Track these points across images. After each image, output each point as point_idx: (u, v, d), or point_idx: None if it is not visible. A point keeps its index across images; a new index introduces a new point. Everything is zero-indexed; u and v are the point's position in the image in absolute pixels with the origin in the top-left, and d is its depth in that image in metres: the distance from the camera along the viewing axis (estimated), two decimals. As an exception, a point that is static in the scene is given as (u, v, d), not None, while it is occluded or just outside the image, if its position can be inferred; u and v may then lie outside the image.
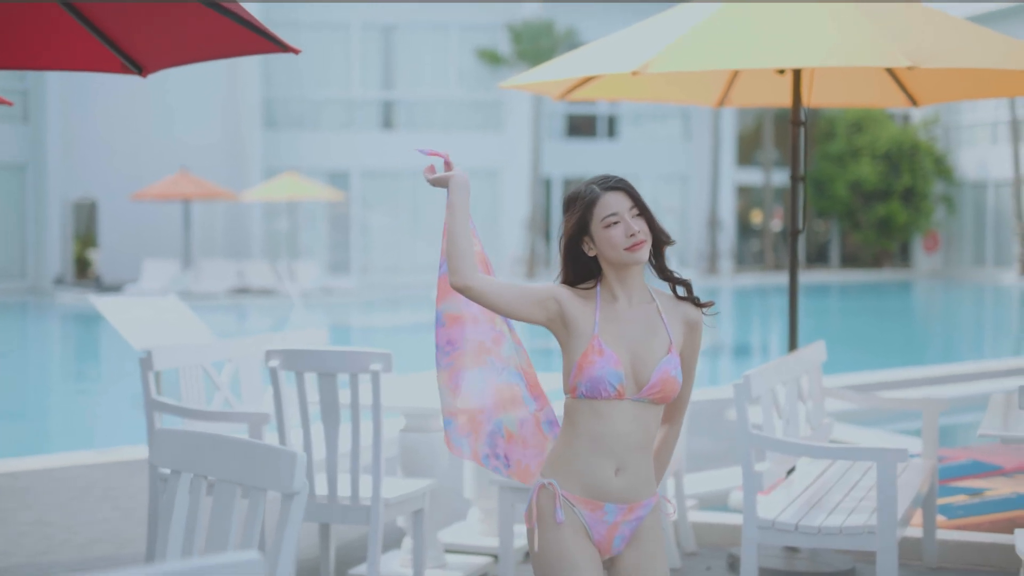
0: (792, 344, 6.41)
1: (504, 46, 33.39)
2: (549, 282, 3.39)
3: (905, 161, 36.76)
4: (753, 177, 37.56)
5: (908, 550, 6.09)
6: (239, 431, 5.97)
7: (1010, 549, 5.95)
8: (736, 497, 7.01)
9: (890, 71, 6.54)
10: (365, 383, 5.34)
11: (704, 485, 7.59)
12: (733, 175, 36.27)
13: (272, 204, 32.51)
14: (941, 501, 6.91)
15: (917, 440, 8.84)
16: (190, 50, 4.76)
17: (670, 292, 3.41)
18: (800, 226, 6.22)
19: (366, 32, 33.14)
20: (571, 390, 3.29)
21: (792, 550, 6.00)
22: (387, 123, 34.08)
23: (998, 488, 7.38)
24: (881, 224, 37.17)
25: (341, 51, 32.63)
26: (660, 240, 3.36)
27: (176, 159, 30.29)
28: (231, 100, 32.04)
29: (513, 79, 6.31)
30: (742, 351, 18.58)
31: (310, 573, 5.96)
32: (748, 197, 38.44)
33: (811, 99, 6.58)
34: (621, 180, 3.33)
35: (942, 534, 6.17)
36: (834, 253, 39.10)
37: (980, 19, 33.57)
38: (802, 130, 6.13)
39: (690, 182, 35.57)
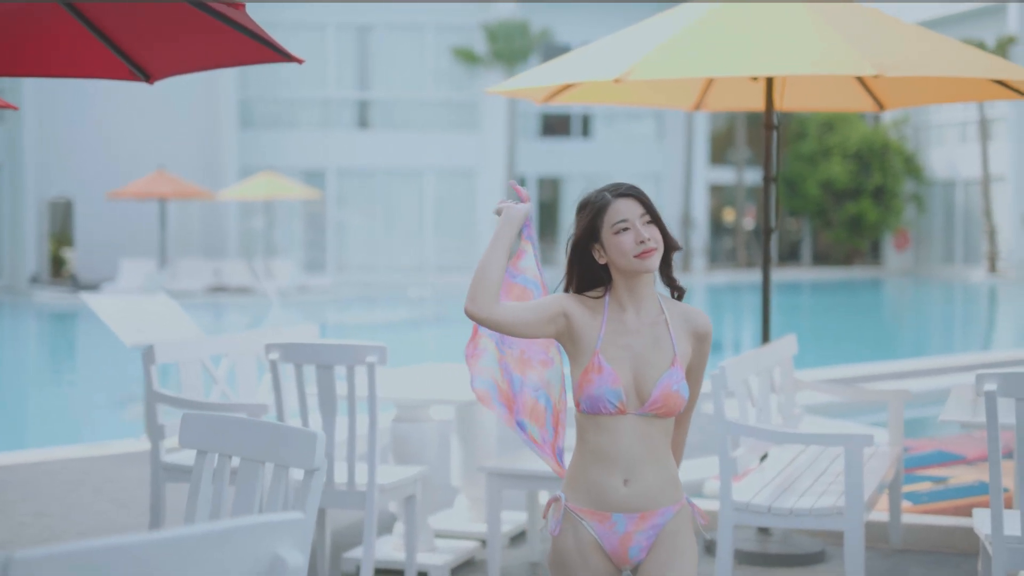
0: (765, 338, 6.71)
1: (480, 46, 33.64)
2: (558, 293, 3.36)
3: (876, 160, 37.22)
4: (726, 176, 37.97)
5: (875, 533, 6.39)
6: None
7: (972, 532, 6.26)
8: (711, 485, 7.30)
9: (858, 78, 6.85)
10: (361, 375, 5.60)
11: (679, 475, 7.85)
12: (706, 174, 36.67)
13: (248, 203, 32.69)
14: (906, 488, 7.23)
15: (885, 432, 9.15)
16: (196, 58, 5.00)
17: (677, 301, 3.36)
18: (773, 225, 6.51)
19: (341, 32, 33.33)
20: (576, 405, 3.29)
21: (765, 533, 6.31)
22: (363, 122, 34.29)
23: (961, 476, 7.71)
24: (852, 222, 37.62)
25: (317, 51, 32.81)
26: (668, 246, 3.30)
27: (152, 158, 30.42)
28: (208, 100, 32.19)
29: (500, 85, 6.59)
30: (715, 347, 18.90)
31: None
32: (721, 196, 38.86)
33: (783, 104, 6.90)
34: (633, 187, 3.27)
35: (907, 518, 6.48)
36: (806, 251, 39.55)
37: (935, 23, 34.13)
38: (775, 134, 6.43)
39: (663, 181, 35.92)
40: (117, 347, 13.33)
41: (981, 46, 32.45)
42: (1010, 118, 34.17)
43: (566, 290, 3.38)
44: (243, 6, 4.37)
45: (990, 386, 4.31)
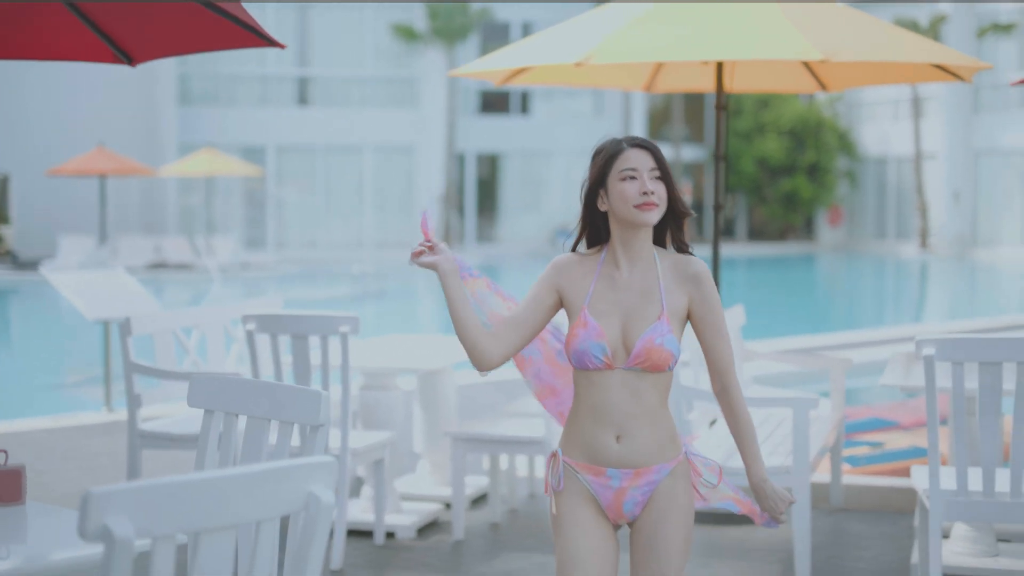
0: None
1: (420, 23, 33.78)
2: (548, 267, 3.35)
3: (810, 137, 37.83)
4: (663, 153, 38.37)
5: (817, 494, 6.75)
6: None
7: (907, 492, 6.63)
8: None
9: (804, 62, 7.19)
10: (334, 344, 5.86)
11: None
12: (643, 151, 37.00)
13: (188, 180, 32.66)
14: (846, 452, 7.62)
15: (826, 401, 9.54)
16: (179, 42, 5.21)
17: (673, 251, 3.34)
18: (722, 201, 6.83)
19: (281, 8, 33.34)
20: (568, 360, 3.33)
21: (715, 494, 6.65)
22: (302, 99, 34.36)
23: (896, 441, 8.13)
24: (786, 199, 38.24)
25: (257, 27, 32.75)
26: (679, 211, 3.30)
27: (90, 135, 30.28)
28: (146, 76, 32.08)
29: (463, 67, 6.85)
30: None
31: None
32: (658, 173, 39.24)
33: (732, 86, 7.23)
34: (650, 141, 3.26)
35: (847, 479, 6.85)
36: (741, 227, 40.13)
37: (869, 4, 34.61)
38: (724, 114, 6.74)
39: (602, 158, 36.20)
40: (59, 323, 13.40)
41: (915, 25, 33.08)
42: (941, 96, 34.86)
43: (576, 241, 3.39)
44: (229, -7, 4.59)
45: (928, 350, 4.64)
